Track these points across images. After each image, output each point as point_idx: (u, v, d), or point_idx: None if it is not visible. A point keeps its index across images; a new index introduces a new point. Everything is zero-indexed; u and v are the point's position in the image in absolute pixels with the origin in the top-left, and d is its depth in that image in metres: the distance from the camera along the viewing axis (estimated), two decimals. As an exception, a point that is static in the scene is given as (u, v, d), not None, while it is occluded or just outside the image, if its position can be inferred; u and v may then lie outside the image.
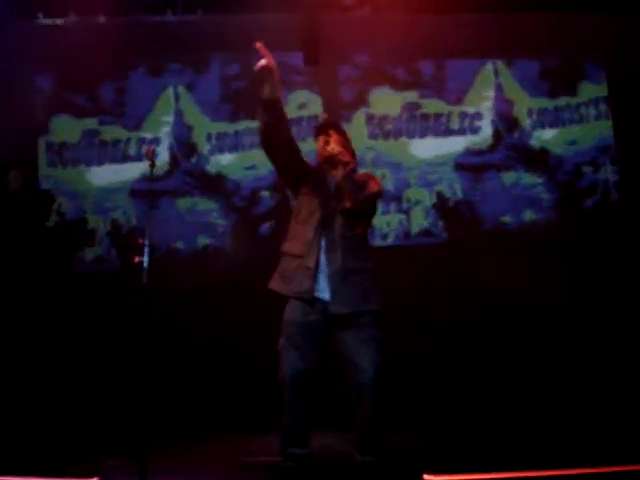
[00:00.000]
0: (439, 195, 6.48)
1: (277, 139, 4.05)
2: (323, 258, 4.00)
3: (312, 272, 3.98)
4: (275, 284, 4.11)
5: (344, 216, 4.05)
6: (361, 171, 4.36)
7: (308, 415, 4.03)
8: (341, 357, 4.01)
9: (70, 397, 5.50)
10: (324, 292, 4.00)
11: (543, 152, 6.54)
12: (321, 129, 4.31)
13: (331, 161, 4.13)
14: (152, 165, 3.98)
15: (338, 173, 4.07)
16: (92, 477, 2.61)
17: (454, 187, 6.49)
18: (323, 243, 4.02)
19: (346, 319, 3.97)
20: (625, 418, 5.06)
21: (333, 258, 3.99)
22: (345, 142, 4.25)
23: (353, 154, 4.29)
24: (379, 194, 4.19)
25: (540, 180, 6.51)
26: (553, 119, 6.57)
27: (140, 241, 3.78)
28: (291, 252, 4.09)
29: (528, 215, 6.47)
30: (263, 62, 3.94)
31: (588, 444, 4.63)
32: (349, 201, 4.01)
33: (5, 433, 4.74)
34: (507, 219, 6.47)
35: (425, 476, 2.57)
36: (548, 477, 2.58)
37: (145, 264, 3.74)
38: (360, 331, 3.97)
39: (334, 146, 4.14)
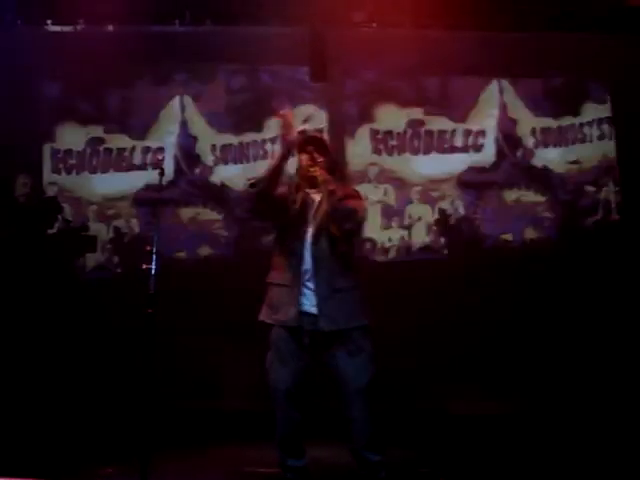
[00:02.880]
0: (441, 212, 6.50)
1: (270, 198, 3.97)
2: (310, 279, 3.99)
3: (296, 299, 3.97)
4: (263, 315, 4.11)
5: (329, 237, 4.00)
6: (361, 186, 4.27)
7: (301, 426, 4.04)
8: (331, 371, 4.02)
9: (70, 404, 5.48)
10: (312, 307, 3.99)
11: (546, 171, 6.57)
12: (305, 144, 4.12)
13: (313, 183, 4.06)
14: (161, 173, 3.99)
15: (322, 205, 4.00)
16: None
17: (456, 204, 6.52)
18: (309, 264, 4.00)
19: (335, 336, 3.98)
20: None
21: (320, 279, 3.98)
22: (329, 161, 4.11)
23: (335, 167, 4.17)
24: (365, 218, 4.16)
25: (542, 199, 6.54)
26: (556, 138, 6.61)
27: (148, 248, 3.78)
28: (276, 281, 4.07)
29: (529, 233, 6.50)
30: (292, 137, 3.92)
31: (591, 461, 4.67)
32: (336, 230, 3.97)
33: (3, 440, 4.72)
34: (508, 237, 6.50)
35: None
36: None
37: (152, 271, 3.74)
38: (349, 345, 3.98)
39: (319, 171, 4.04)
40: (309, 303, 4.00)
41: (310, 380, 4.06)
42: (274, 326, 4.05)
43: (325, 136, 4.28)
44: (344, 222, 3.95)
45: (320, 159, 4.08)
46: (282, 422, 4.03)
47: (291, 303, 3.99)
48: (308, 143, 4.12)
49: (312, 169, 4.05)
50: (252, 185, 3.96)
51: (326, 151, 4.12)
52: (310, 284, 4.00)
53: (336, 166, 4.21)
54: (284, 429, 4.03)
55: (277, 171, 3.94)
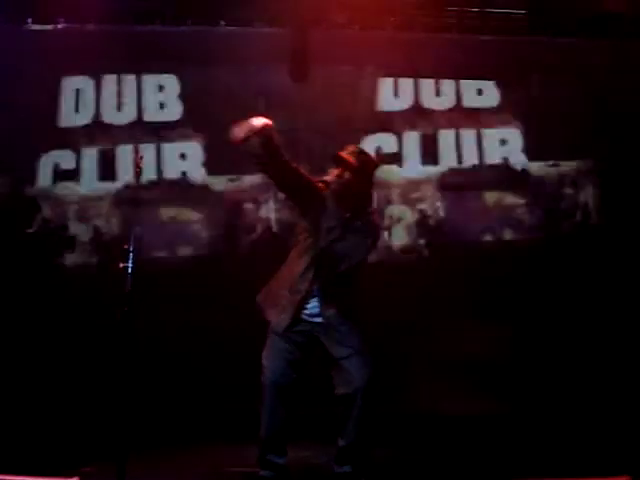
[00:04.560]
0: (421, 213, 6.52)
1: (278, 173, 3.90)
2: (316, 294, 4.00)
3: (293, 308, 3.99)
4: (261, 300, 4.14)
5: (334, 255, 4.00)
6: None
7: (287, 423, 4.06)
8: (330, 367, 4.05)
9: (49, 402, 5.46)
10: (315, 317, 4.02)
11: (525, 173, 6.60)
12: (341, 161, 4.07)
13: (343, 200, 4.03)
14: (139, 173, 3.98)
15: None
16: (72, 477, 2.62)
17: (436, 205, 6.55)
18: (316, 284, 3.99)
19: (336, 331, 4.00)
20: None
21: (327, 302, 3.99)
22: (352, 184, 4.01)
23: (362, 198, 4.12)
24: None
25: (522, 201, 6.58)
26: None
27: (125, 247, 3.78)
28: (283, 277, 4.10)
29: (508, 235, 6.54)
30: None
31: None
32: None
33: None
34: (488, 238, 6.53)
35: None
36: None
37: (129, 270, 3.73)
38: (351, 342, 4.01)
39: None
40: (309, 312, 4.03)
41: (301, 379, 4.07)
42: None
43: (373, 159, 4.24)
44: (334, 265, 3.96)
45: (344, 179, 4.01)
46: (267, 416, 4.03)
47: (285, 310, 4.02)
48: (343, 161, 4.05)
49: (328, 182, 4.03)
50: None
51: (352, 172, 4.01)
52: (312, 300, 4.02)
53: (361, 193, 4.10)
54: (268, 423, 4.04)
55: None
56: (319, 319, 4.01)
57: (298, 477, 4.27)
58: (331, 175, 4.08)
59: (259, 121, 3.76)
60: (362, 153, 4.14)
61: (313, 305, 4.02)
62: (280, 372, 4.01)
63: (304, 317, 4.04)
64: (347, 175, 4.02)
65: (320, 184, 4.04)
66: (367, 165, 4.10)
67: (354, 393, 3.94)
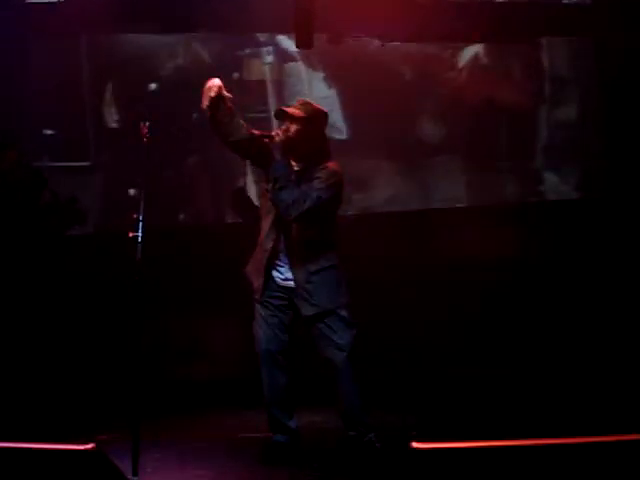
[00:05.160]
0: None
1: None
2: (283, 256, 4.02)
3: (265, 272, 4.02)
4: (247, 269, 4.18)
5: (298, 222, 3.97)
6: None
7: (288, 386, 4.11)
8: (313, 341, 4.08)
9: (60, 373, 5.49)
10: (290, 282, 4.03)
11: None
12: (280, 116, 4.07)
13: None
14: (147, 140, 3.95)
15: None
16: (87, 444, 2.64)
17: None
18: (282, 244, 4.02)
19: (315, 317, 4.02)
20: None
21: (294, 261, 3.99)
22: (301, 134, 3.95)
23: (311, 148, 4.02)
24: (314, 208, 3.87)
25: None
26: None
27: (134, 216, 3.77)
28: (258, 242, 4.13)
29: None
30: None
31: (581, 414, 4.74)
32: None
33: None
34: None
35: (413, 444, 2.60)
36: (540, 446, 2.62)
37: (139, 239, 3.73)
38: (331, 322, 4.01)
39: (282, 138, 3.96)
40: (284, 277, 4.04)
41: (295, 340, 4.10)
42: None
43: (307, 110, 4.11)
44: (282, 214, 3.92)
45: (279, 133, 3.99)
46: (266, 384, 4.09)
47: (260, 273, 4.05)
48: (283, 114, 4.03)
49: (273, 136, 3.99)
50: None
51: (300, 124, 3.96)
52: (284, 260, 4.03)
53: (310, 143, 4.02)
54: (268, 390, 4.09)
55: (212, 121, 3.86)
56: (291, 283, 4.02)
57: (310, 442, 4.30)
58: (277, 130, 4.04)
59: (210, 85, 3.79)
60: (307, 104, 4.09)
61: (286, 268, 4.03)
62: (268, 339, 4.05)
63: (279, 281, 4.05)
64: (293, 127, 3.96)
65: (266, 139, 3.99)
66: (314, 115, 4.03)
67: (339, 363, 3.98)
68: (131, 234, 3.73)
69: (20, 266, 5.60)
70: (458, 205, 6.60)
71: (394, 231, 6.15)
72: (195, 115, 6.06)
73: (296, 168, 4.01)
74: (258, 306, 4.12)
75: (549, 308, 6.13)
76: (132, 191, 6.04)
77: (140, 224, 3.73)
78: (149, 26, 6.21)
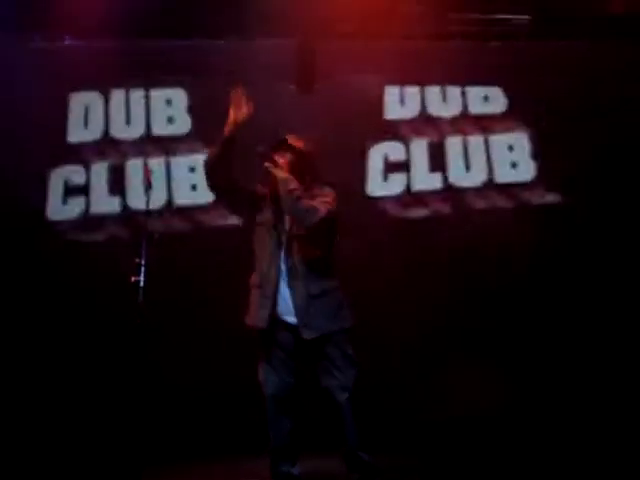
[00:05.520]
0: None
1: (222, 174, 4.06)
2: (284, 285, 4.03)
3: (269, 301, 4.02)
4: (247, 318, 4.17)
5: (301, 241, 4.06)
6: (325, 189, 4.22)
7: (293, 430, 4.09)
8: (316, 376, 4.08)
9: (60, 419, 5.46)
10: (291, 316, 4.04)
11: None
12: (275, 149, 4.19)
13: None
14: (149, 186, 4.00)
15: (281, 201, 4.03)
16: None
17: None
18: (283, 270, 4.04)
19: (316, 342, 4.02)
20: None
21: (296, 285, 4.02)
22: (298, 164, 4.15)
23: (309, 173, 4.19)
24: (328, 216, 4.03)
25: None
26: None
27: (137, 261, 3.79)
28: (253, 283, 4.16)
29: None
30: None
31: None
32: (299, 227, 4.04)
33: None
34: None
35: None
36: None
37: (141, 283, 3.75)
38: (332, 351, 4.03)
39: (276, 170, 4.06)
40: (286, 311, 4.03)
41: (300, 386, 4.08)
42: (258, 331, 4.11)
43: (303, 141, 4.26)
44: (301, 222, 4.00)
45: (282, 160, 4.10)
46: (272, 428, 4.08)
47: (264, 306, 4.04)
48: (280, 147, 4.17)
49: (268, 166, 4.06)
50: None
51: (297, 154, 4.15)
52: (285, 290, 4.03)
53: (308, 169, 4.19)
54: (274, 435, 4.08)
55: (222, 149, 4.01)
56: (293, 319, 4.02)
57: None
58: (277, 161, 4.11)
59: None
60: (299, 138, 4.24)
61: (287, 303, 4.03)
62: (276, 385, 4.06)
63: (284, 318, 4.05)
64: (294, 155, 4.16)
65: (267, 164, 4.09)
66: (308, 145, 4.25)
67: (342, 402, 3.98)
68: (133, 279, 3.75)
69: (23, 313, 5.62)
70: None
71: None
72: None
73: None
74: (263, 350, 4.11)
75: (533, 315, 6.04)
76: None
77: (142, 269, 3.75)
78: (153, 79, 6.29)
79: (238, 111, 3.99)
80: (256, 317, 4.08)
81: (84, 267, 5.83)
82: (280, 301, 4.03)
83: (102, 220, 6.14)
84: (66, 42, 6.19)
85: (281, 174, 4.04)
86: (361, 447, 4.04)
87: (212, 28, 6.22)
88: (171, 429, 5.47)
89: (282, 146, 4.18)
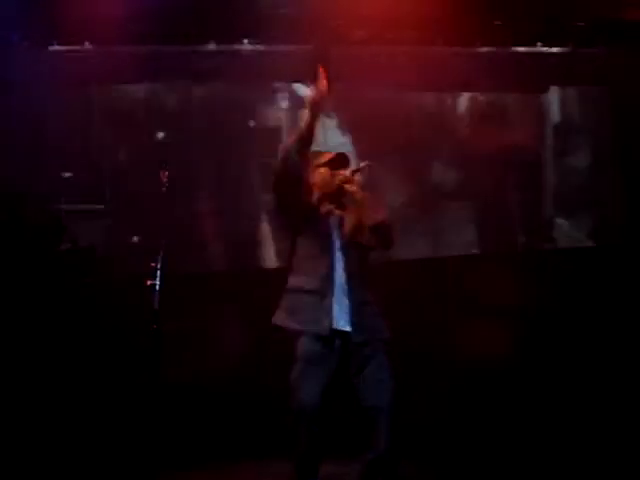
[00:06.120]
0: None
1: (295, 173, 3.94)
2: (339, 292, 3.99)
3: (329, 308, 3.95)
4: (282, 320, 4.04)
5: (358, 250, 4.05)
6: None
7: (322, 444, 3.97)
8: (356, 381, 3.98)
9: (74, 425, 5.46)
10: (341, 322, 3.98)
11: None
12: (337, 161, 4.12)
13: (340, 199, 4.06)
14: (166, 189, 4.01)
15: (352, 218, 3.99)
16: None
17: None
18: (342, 277, 4.00)
19: (364, 346, 3.98)
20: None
21: (352, 292, 3.99)
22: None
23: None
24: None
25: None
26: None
27: (152, 265, 3.80)
28: (302, 288, 4.03)
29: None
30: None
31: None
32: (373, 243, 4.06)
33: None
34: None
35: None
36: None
37: (157, 287, 3.76)
38: (377, 357, 3.99)
39: (356, 189, 4.01)
40: (342, 318, 3.98)
41: (334, 393, 4.02)
42: (302, 336, 3.97)
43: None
44: (385, 237, 4.06)
45: (355, 177, 4.05)
46: (304, 443, 3.90)
47: (323, 312, 3.95)
48: (340, 160, 4.12)
49: (348, 186, 4.02)
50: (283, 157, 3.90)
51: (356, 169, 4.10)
52: (343, 297, 3.99)
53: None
54: (304, 450, 3.91)
55: (307, 131, 3.86)
56: (346, 325, 3.97)
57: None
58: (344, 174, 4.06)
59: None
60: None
61: (340, 309, 3.98)
62: (314, 392, 3.87)
63: (340, 326, 3.96)
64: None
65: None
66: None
67: (383, 405, 3.89)
68: (149, 282, 3.76)
69: (37, 312, 5.63)
70: (472, 252, 6.57)
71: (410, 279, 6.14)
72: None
73: None
74: (313, 354, 3.94)
75: (562, 357, 6.06)
76: (135, 238, 6.09)
77: (158, 272, 3.76)
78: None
79: (321, 88, 3.80)
80: (310, 322, 3.94)
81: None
82: (337, 308, 3.97)
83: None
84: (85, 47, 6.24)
85: (360, 194, 4.00)
86: (391, 457, 3.93)
87: (229, 33, 6.26)
88: (186, 434, 5.47)
89: (344, 162, 4.11)
